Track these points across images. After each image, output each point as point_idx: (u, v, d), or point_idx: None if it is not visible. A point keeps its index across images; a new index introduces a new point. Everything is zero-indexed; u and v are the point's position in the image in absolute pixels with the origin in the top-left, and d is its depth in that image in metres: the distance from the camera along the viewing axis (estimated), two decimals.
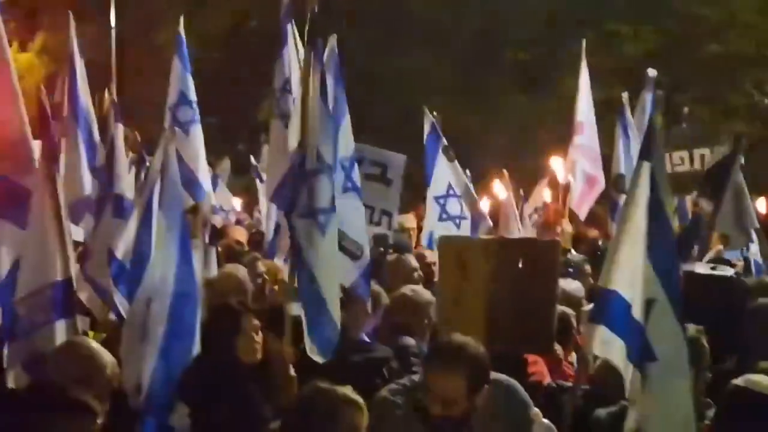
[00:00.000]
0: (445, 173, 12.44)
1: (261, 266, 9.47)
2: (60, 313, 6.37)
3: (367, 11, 30.61)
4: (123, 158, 9.61)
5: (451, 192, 12.32)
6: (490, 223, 12.85)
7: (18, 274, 6.50)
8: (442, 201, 12.27)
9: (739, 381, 5.06)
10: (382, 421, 5.66)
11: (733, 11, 27.08)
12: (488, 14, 31.82)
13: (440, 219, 12.08)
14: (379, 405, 5.77)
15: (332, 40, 9.00)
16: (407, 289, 8.58)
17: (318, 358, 7.04)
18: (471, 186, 13.05)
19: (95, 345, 5.98)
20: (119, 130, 10.02)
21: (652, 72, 11.76)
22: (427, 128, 12.72)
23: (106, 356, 5.81)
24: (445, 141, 12.59)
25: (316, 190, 7.47)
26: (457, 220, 11.98)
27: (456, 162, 12.64)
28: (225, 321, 6.69)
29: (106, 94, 12.12)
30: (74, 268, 7.24)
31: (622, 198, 11.21)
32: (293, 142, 8.12)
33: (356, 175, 9.00)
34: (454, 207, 12.24)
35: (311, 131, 7.68)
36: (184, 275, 6.59)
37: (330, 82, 8.60)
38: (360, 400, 5.10)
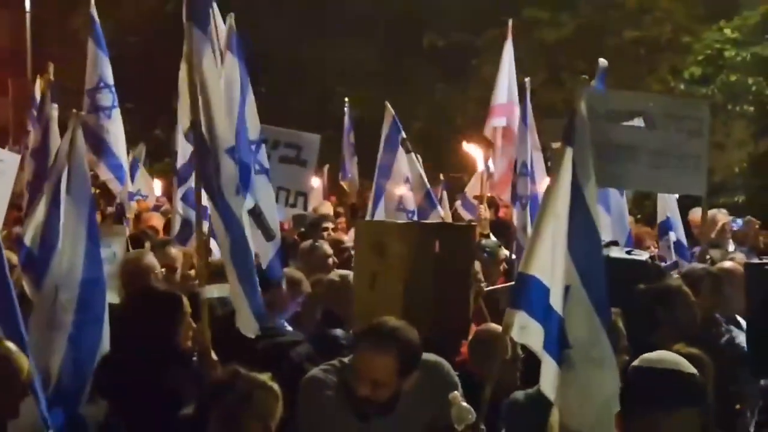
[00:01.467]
0: (402, 166, 12.59)
1: (173, 252, 9.33)
2: None
3: None
4: (57, 139, 9.41)
5: (407, 185, 12.49)
6: (441, 212, 13.04)
7: None
8: (399, 193, 12.44)
9: (636, 362, 4.93)
10: (312, 399, 5.73)
11: None
12: (408, 2, 32.29)
13: (397, 209, 12.26)
14: (310, 384, 5.82)
15: (229, 19, 8.95)
16: (334, 275, 8.55)
17: (250, 333, 7.08)
18: (424, 176, 13.16)
19: (13, 347, 5.64)
20: (54, 112, 10.01)
21: (603, 62, 11.94)
22: (387, 122, 12.82)
23: (23, 359, 5.62)
24: (404, 134, 12.80)
25: (221, 169, 7.43)
26: (409, 214, 12.08)
27: (412, 154, 12.85)
28: (168, 308, 6.62)
29: (42, 77, 12.25)
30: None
31: (520, 181, 11.71)
32: (185, 122, 8.13)
33: (264, 157, 9.11)
34: (409, 201, 12.42)
35: (204, 110, 7.54)
36: (91, 261, 6.57)
37: (231, 61, 8.68)
38: (276, 387, 5.14)
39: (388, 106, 12.81)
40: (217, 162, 7.29)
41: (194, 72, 7.40)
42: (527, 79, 13.13)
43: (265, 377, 5.20)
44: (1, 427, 5.15)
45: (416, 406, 5.72)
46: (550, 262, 5.67)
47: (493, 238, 11.70)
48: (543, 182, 11.17)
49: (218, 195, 7.28)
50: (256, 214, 8.42)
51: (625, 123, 9.25)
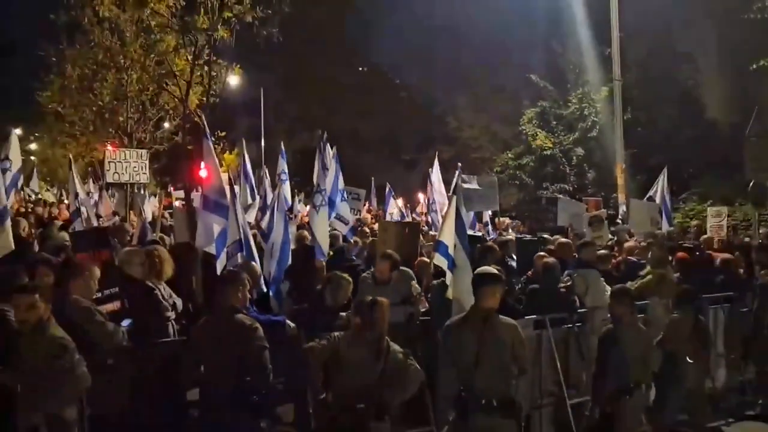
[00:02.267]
0: (392, 202, 13.32)
1: (306, 233, 8.63)
2: (239, 250, 6.24)
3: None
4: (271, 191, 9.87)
5: (396, 210, 13.37)
6: (407, 218, 13.54)
7: (225, 237, 6.41)
8: (393, 212, 13.19)
9: (477, 271, 4.91)
10: (362, 283, 6.33)
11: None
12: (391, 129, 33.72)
13: (392, 218, 12.65)
14: (362, 279, 6.44)
15: (333, 150, 9.72)
16: (371, 241, 9.07)
17: (323, 260, 7.24)
18: (401, 205, 14.06)
19: (255, 265, 6.18)
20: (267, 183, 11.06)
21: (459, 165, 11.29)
22: (388, 186, 13.43)
23: (258, 269, 6.07)
24: (393, 192, 13.43)
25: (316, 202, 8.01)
26: (397, 219, 12.51)
27: (394, 199, 13.47)
28: (309, 252, 7.05)
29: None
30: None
31: (435, 207, 11.94)
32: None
33: (345, 195, 9.89)
34: (396, 215, 13.09)
35: (321, 181, 8.29)
36: (286, 234, 6.83)
37: (335, 165, 9.36)
38: (348, 278, 5.79)
39: (389, 185, 13.59)
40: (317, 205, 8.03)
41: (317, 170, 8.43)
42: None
43: (345, 275, 5.84)
44: (251, 297, 5.16)
45: (397, 284, 6.33)
46: (449, 235, 5.91)
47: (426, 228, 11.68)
48: (443, 209, 10.77)
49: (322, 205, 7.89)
50: (339, 216, 9.37)
51: (475, 187, 9.88)
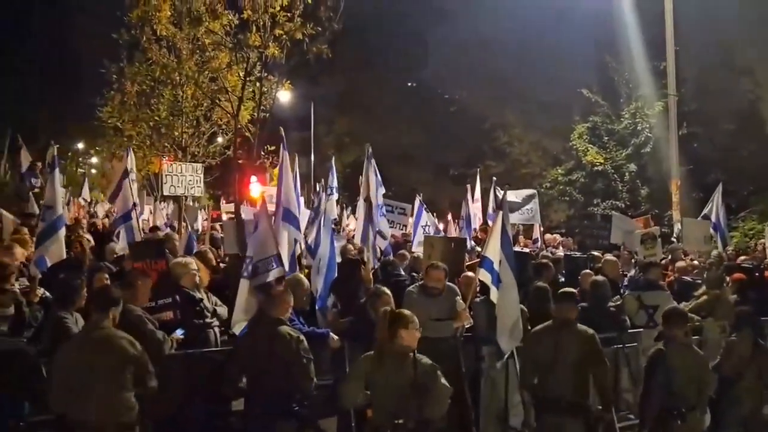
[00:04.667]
0: (425, 217, 12.70)
1: (351, 246, 9.16)
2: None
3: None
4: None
5: (435, 226, 12.64)
6: (453, 234, 13.50)
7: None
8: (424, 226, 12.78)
9: (533, 289, 5.90)
10: (408, 298, 6.21)
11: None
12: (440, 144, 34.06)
13: (436, 233, 12.01)
14: (408, 292, 6.34)
15: (373, 166, 8.95)
16: (414, 255, 9.28)
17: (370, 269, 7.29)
18: (435, 221, 13.26)
19: (302, 276, 6.21)
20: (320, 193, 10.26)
21: (499, 186, 11.76)
22: (417, 201, 12.71)
23: (306, 282, 6.07)
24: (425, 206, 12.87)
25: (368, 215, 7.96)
26: (441, 234, 12.34)
27: (428, 212, 13.00)
28: (356, 263, 7.16)
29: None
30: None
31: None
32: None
33: (385, 210, 9.90)
34: (429, 228, 12.46)
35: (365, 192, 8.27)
36: (332, 249, 6.91)
37: (376, 179, 9.02)
38: (388, 291, 5.75)
39: (419, 197, 12.57)
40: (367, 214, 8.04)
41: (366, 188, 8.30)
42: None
43: (385, 288, 5.80)
44: (293, 311, 5.13)
45: (446, 297, 6.26)
46: (494, 251, 6.01)
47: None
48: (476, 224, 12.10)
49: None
50: (380, 231, 9.11)
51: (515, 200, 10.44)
